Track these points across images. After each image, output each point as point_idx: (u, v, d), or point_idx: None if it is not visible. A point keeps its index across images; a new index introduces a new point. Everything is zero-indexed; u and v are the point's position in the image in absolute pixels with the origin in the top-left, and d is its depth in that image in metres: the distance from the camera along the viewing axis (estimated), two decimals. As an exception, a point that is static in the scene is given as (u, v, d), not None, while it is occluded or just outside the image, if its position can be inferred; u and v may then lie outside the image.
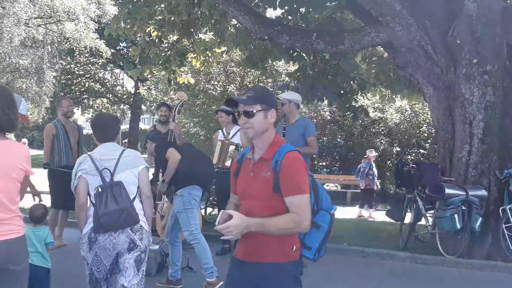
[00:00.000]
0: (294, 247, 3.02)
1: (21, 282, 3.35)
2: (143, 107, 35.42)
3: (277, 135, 3.17)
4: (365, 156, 14.44)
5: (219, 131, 8.94)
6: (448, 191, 7.99)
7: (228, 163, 8.32)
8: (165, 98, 21.43)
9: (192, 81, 15.12)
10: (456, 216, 7.82)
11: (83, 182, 4.30)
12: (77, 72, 32.56)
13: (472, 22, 8.13)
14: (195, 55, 13.18)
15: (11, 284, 3.26)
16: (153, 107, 34.81)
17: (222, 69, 20.03)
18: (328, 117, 18.51)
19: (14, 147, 3.45)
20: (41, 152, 15.16)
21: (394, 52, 9.22)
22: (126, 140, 18.83)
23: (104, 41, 25.72)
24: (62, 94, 29.60)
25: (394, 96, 12.87)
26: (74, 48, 26.30)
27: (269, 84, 18.72)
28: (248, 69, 17.55)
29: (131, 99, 33.50)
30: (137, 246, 4.24)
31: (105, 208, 4.11)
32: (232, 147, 8.37)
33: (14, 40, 22.86)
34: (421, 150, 17.64)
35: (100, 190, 4.17)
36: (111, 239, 4.16)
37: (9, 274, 3.23)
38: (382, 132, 18.91)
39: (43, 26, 24.83)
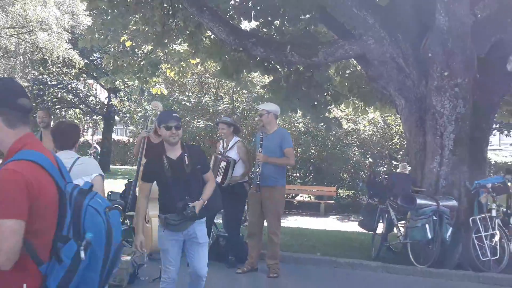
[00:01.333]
0: (24, 285, 2.30)
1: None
2: (116, 117, 35.18)
3: (20, 139, 2.45)
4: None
5: (220, 141, 8.66)
6: (419, 201, 8.09)
7: (219, 179, 7.50)
8: (139, 109, 21.32)
9: (166, 92, 15.07)
10: (427, 226, 7.90)
11: None
12: (49, 83, 32.20)
13: (443, 36, 8.26)
14: (169, 65, 13.15)
15: None
16: (126, 118, 34.65)
17: (196, 80, 20.00)
18: (302, 129, 18.58)
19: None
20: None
21: (367, 65, 9.34)
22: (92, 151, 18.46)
23: (77, 52, 25.53)
24: (34, 104, 29.24)
25: (367, 108, 12.99)
26: (47, 58, 26.03)
27: (244, 95, 18.73)
28: (223, 80, 17.56)
29: (104, 110, 33.25)
30: None
31: None
32: (223, 164, 7.84)
33: (-15, 50, 22.67)
34: (393, 162, 17.80)
35: None
36: None
37: None
38: (355, 144, 19.06)
39: (15, 36, 24.58)
